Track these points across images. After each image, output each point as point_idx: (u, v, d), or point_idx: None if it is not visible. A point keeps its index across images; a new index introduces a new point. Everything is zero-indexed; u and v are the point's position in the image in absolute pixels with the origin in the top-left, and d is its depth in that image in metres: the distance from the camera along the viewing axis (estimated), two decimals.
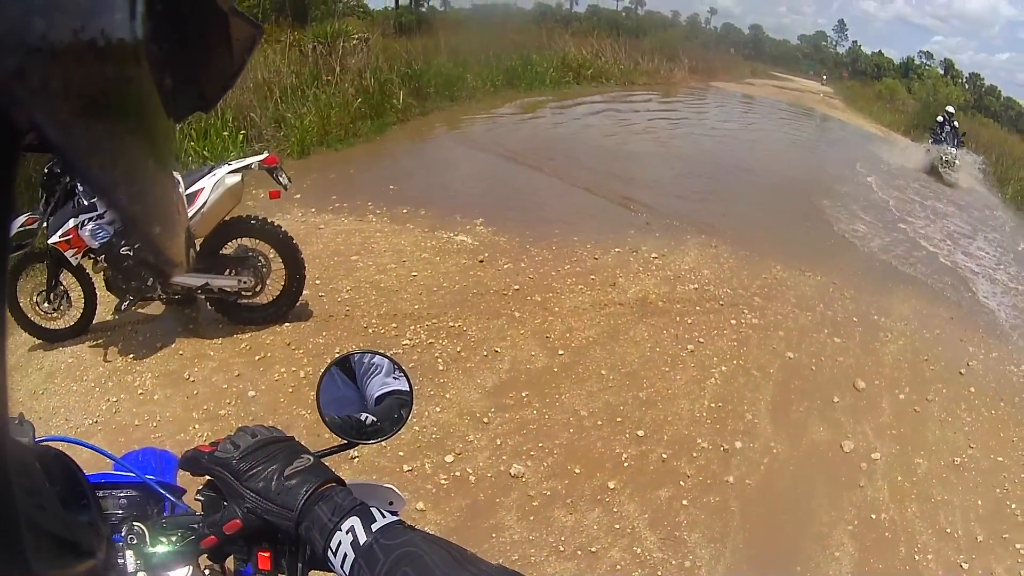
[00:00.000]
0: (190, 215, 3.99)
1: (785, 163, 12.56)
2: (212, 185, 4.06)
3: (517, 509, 3.40)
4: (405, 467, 3.51)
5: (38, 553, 0.39)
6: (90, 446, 1.14)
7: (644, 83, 19.79)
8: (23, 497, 0.38)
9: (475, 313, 5.02)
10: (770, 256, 7.06)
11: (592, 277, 5.83)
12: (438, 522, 3.24)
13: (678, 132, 13.87)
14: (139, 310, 4.53)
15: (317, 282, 5.06)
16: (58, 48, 0.24)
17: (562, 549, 3.24)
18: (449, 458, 3.62)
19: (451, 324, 4.83)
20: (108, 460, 1.13)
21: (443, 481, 3.49)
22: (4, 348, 0.29)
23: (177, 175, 4.22)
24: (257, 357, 4.26)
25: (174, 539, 0.93)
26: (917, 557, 3.71)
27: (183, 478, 1.10)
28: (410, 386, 1.11)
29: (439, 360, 4.43)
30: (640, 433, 4.04)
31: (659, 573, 3.23)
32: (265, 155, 4.32)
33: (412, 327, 4.75)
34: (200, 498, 0.94)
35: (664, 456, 3.91)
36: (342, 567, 0.79)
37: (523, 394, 4.20)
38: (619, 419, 4.13)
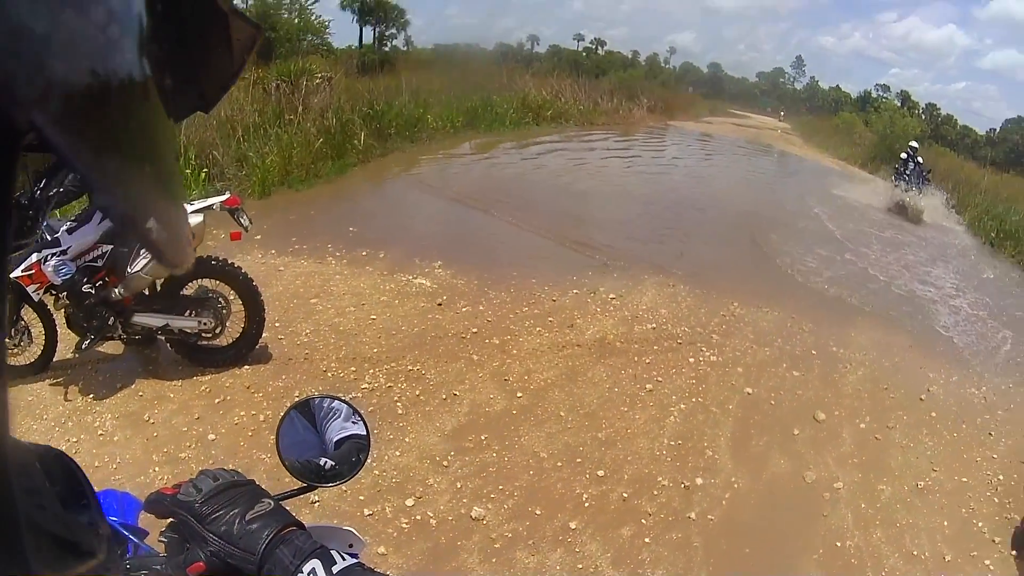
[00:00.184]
0: (150, 256, 4.10)
1: (741, 200, 13.03)
2: None
3: (479, 551, 3.53)
4: (366, 511, 3.62)
5: (38, 553, 0.40)
6: None
7: (603, 123, 20.64)
8: (23, 497, 0.38)
9: (434, 356, 5.20)
10: (728, 293, 7.36)
11: (550, 319, 6.07)
12: (400, 566, 3.36)
13: (634, 171, 14.51)
14: (100, 349, 4.59)
15: (277, 324, 5.20)
16: (58, 49, 0.26)
17: None
18: (410, 502, 3.75)
19: (410, 368, 5.00)
20: None
21: (404, 525, 3.60)
22: (4, 348, 0.30)
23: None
24: (217, 400, 4.38)
25: None
26: None
27: (145, 520, 1.14)
28: (367, 430, 1.19)
29: (398, 404, 4.59)
30: (600, 473, 4.21)
31: None
32: (227, 195, 4.48)
33: (371, 371, 4.91)
34: (163, 539, 0.98)
35: (625, 495, 4.09)
36: None
37: (482, 437, 4.37)
38: (579, 460, 4.30)
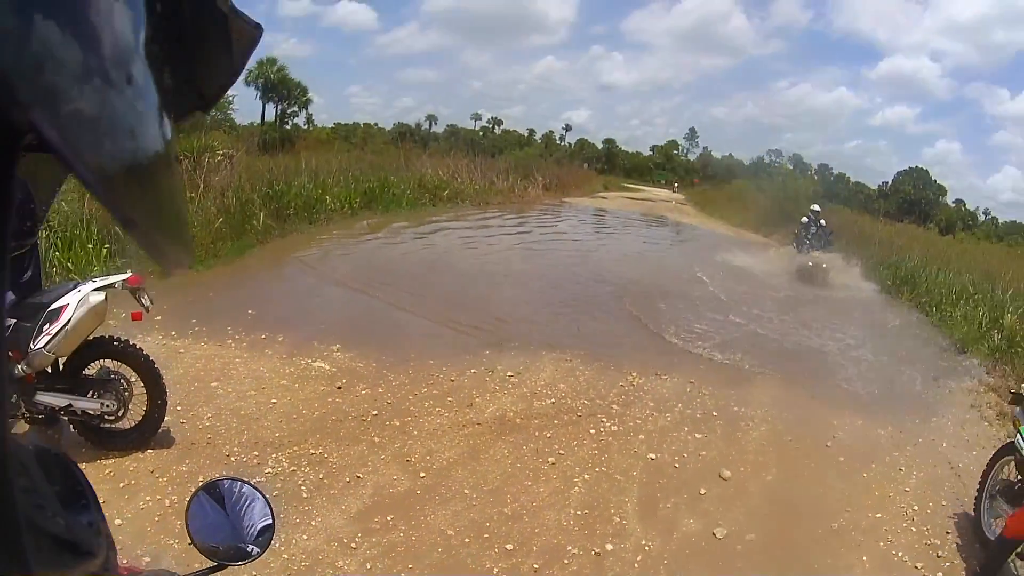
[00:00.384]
0: (54, 332, 4.10)
1: (634, 272, 13.74)
2: (77, 302, 4.21)
3: None
4: None
5: (38, 553, 0.41)
6: None
7: (498, 202, 21.59)
8: (23, 497, 0.40)
9: (335, 440, 5.29)
10: (626, 364, 7.72)
11: (449, 399, 6.25)
12: None
13: (526, 248, 15.23)
14: None
15: (179, 408, 5.21)
16: (58, 50, 0.26)
17: None
18: None
19: (312, 451, 5.07)
20: None
21: None
22: (4, 348, 0.38)
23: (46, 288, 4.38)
24: (122, 484, 4.32)
25: None
26: None
27: None
28: (271, 509, 1.30)
29: (302, 487, 4.63)
30: (509, 547, 4.34)
31: None
32: (129, 274, 4.55)
33: (274, 455, 4.96)
34: None
35: (536, 566, 4.22)
36: None
37: (388, 517, 4.44)
38: (486, 535, 4.42)
